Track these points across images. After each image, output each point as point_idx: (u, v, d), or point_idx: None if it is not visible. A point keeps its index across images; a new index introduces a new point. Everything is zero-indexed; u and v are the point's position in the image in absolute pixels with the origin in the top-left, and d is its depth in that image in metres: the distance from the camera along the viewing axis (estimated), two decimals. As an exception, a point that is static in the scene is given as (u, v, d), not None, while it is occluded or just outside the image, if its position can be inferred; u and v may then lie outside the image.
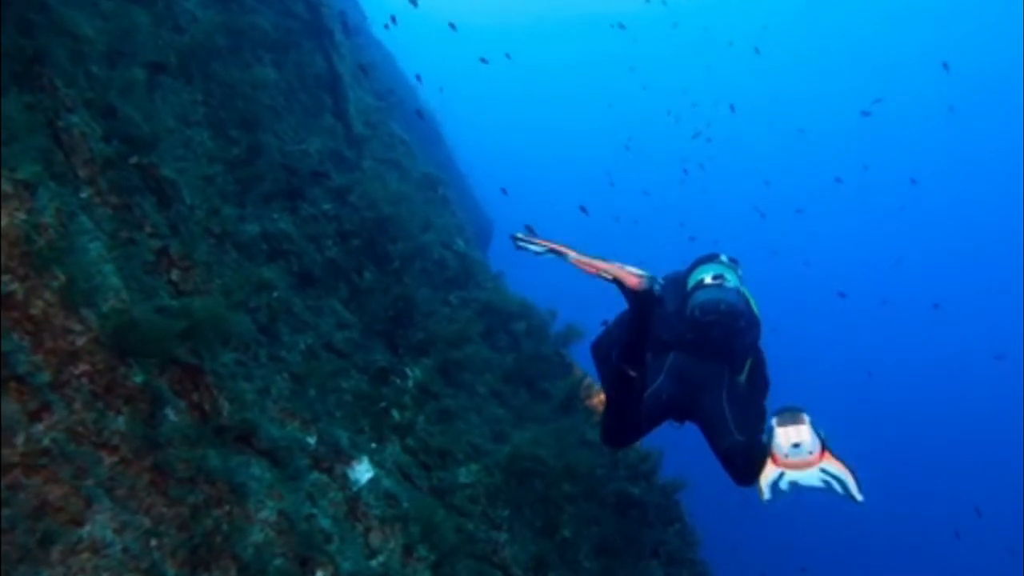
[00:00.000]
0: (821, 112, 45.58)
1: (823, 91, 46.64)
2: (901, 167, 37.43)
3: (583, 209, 14.97)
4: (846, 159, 42.15)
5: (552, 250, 3.89)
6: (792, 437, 3.24)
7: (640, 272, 3.54)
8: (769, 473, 3.27)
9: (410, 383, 4.40)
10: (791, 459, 3.24)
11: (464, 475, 4.02)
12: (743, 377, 4.15)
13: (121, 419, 2.56)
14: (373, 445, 3.85)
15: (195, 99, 4.54)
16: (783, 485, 3.26)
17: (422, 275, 5.85)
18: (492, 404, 5.07)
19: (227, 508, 2.76)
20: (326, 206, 5.21)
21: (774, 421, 3.34)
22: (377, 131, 8.33)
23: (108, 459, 2.44)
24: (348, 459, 3.66)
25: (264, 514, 2.90)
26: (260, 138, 4.83)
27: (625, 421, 3.62)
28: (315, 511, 3.20)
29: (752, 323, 4.22)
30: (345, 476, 3.60)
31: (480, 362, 5.25)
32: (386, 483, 3.68)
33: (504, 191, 16.07)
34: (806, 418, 3.29)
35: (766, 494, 3.26)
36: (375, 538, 3.46)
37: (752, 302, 4.33)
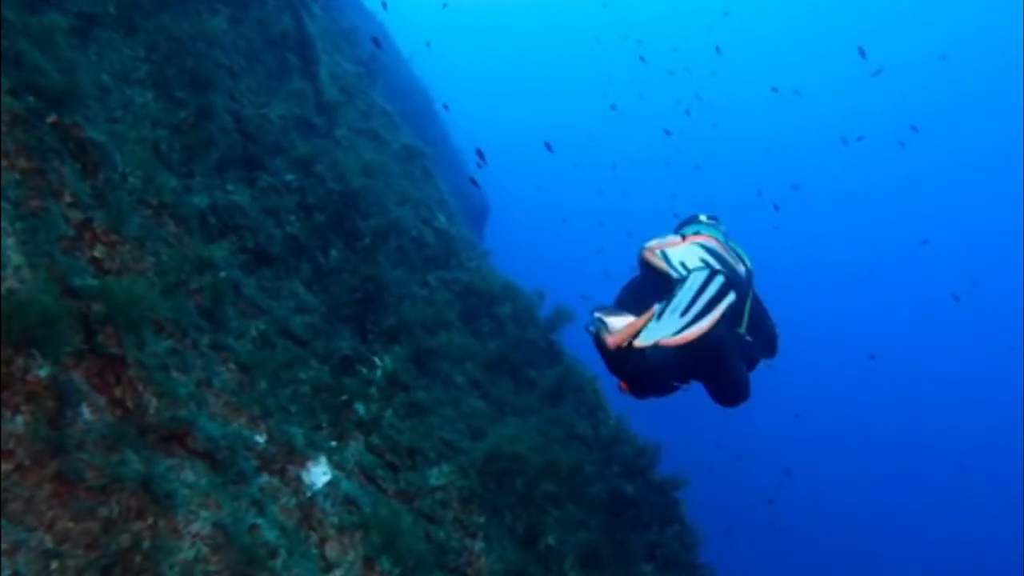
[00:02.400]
0: (815, 71, 45.22)
1: (814, 47, 46.28)
2: (900, 122, 37.03)
3: (548, 145, 14.76)
4: (844, 118, 41.90)
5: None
6: (611, 323, 3.77)
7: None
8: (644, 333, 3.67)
9: (378, 373, 4.12)
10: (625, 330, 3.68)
11: (435, 476, 3.75)
12: (743, 329, 4.33)
13: (19, 419, 2.27)
14: (332, 443, 3.58)
15: (137, 55, 4.21)
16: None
17: (397, 253, 5.56)
18: (471, 396, 4.79)
19: (149, 521, 2.48)
20: (288, 177, 4.90)
21: (590, 328, 3.84)
22: (354, 98, 7.97)
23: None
24: (303, 460, 3.39)
25: (196, 526, 2.62)
26: (212, 100, 4.50)
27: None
28: (260, 521, 2.92)
29: (738, 273, 4.41)
30: (299, 479, 3.33)
31: (458, 349, 4.97)
32: (346, 486, 3.41)
33: (446, 106, 15.18)
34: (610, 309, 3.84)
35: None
36: (331, 549, 3.20)
37: (743, 255, 4.58)
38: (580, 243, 39.76)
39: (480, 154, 9.19)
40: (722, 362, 4.26)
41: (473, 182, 10.84)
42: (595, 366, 6.93)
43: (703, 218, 4.75)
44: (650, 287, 4.24)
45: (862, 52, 21.82)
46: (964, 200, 46.00)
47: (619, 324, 3.71)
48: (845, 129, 35.60)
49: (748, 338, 4.42)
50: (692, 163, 35.98)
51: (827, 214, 46.30)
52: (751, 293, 4.54)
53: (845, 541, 28.78)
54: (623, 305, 4.55)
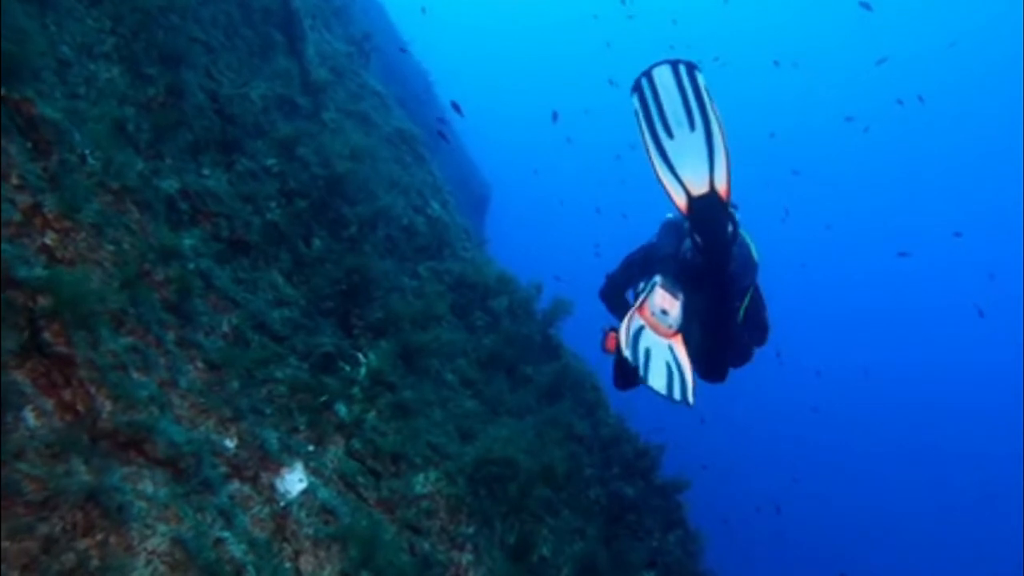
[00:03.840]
0: (821, 52, 44.75)
1: (819, 27, 45.82)
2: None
3: (554, 115, 14.63)
4: (851, 99, 41.50)
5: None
6: (665, 304, 3.59)
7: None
8: (633, 321, 3.56)
9: (362, 371, 3.93)
10: (655, 321, 3.57)
11: (421, 484, 3.56)
12: (739, 318, 4.38)
13: (-51, 426, 2.08)
14: (310, 448, 3.39)
15: (102, 27, 3.98)
16: (642, 342, 3.53)
17: (386, 243, 5.35)
18: (462, 395, 4.60)
19: (98, 537, 2.29)
20: (269, 161, 4.69)
21: (658, 280, 3.66)
22: (344, 79, 7.74)
23: (-76, 481, 1.97)
24: (277, 466, 3.20)
25: (152, 542, 2.44)
26: (185, 77, 4.29)
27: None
28: (226, 534, 2.74)
29: (745, 266, 4.42)
30: (272, 487, 3.15)
31: (450, 345, 4.77)
32: (323, 495, 3.22)
33: (403, 50, 14.67)
34: (680, 299, 3.62)
35: (625, 340, 3.50)
36: (306, 564, 3.02)
37: (751, 246, 4.58)
38: (575, 225, 39.50)
39: (456, 107, 9.06)
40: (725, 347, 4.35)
41: (442, 135, 10.56)
42: (595, 363, 6.76)
43: None
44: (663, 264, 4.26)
45: (866, 6, 21.48)
46: (969, 190, 45.51)
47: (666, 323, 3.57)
48: (850, 110, 35.29)
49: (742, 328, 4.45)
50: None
51: (829, 200, 45.83)
52: (753, 285, 4.55)
53: (851, 544, 28.73)
54: (630, 279, 4.67)
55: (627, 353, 3.49)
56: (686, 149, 3.24)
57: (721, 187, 3.23)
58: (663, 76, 3.27)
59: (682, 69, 3.25)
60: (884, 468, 33.86)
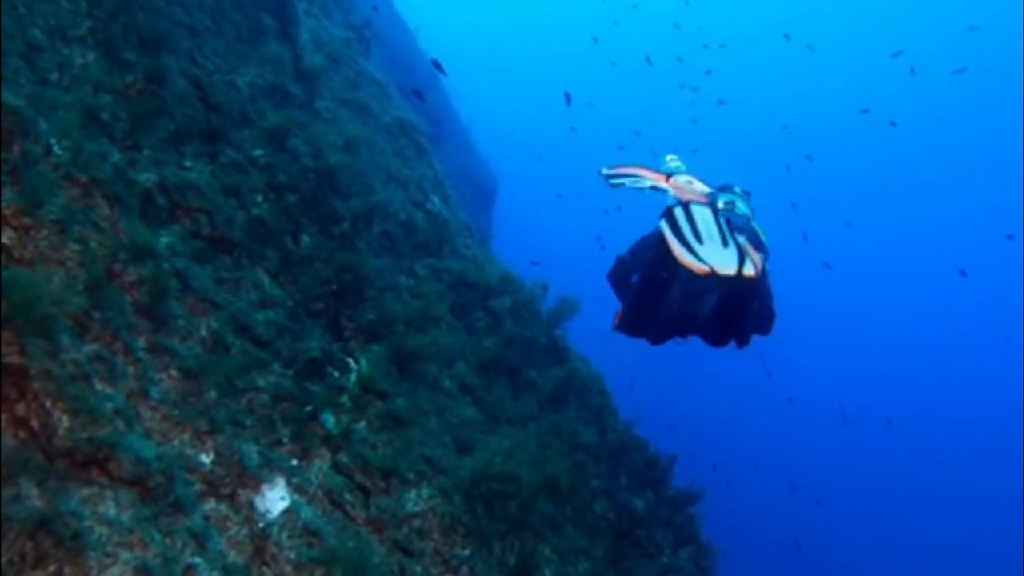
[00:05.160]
0: (836, 37, 44.27)
1: (837, 14, 45.38)
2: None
3: (567, 97, 14.50)
4: (861, 88, 41.13)
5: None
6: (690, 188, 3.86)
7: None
8: (649, 172, 3.86)
9: (352, 378, 3.76)
10: (678, 183, 3.82)
11: (413, 501, 3.39)
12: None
13: None
14: (293, 462, 3.22)
15: (78, 9, 3.82)
16: (636, 182, 3.86)
17: (382, 240, 5.18)
18: (461, 403, 4.42)
19: (51, 568, 2.13)
20: (256, 152, 4.52)
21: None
22: (341, 66, 7.56)
23: None
24: (256, 483, 3.04)
25: (113, 572, 2.28)
26: (166, 62, 4.12)
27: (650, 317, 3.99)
28: (198, 560, 2.57)
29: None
30: (251, 506, 2.98)
31: (448, 349, 4.60)
32: (307, 513, 3.06)
33: (375, 8, 14.31)
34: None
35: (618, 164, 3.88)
36: (287, 590, 2.85)
37: (760, 233, 4.68)
38: (576, 216, 39.36)
39: (437, 65, 8.88)
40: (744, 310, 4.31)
41: (419, 96, 10.35)
42: (600, 364, 6.59)
43: (736, 190, 4.81)
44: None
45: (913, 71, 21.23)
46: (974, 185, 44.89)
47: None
48: (866, 100, 34.82)
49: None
50: (698, 131, 35.00)
51: (843, 193, 45.31)
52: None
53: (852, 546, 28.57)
54: (637, 261, 4.72)
55: (605, 170, 3.82)
56: (715, 252, 3.50)
57: (749, 274, 3.45)
58: (701, 210, 3.59)
59: (722, 219, 3.63)
60: (903, 473, 33.63)
